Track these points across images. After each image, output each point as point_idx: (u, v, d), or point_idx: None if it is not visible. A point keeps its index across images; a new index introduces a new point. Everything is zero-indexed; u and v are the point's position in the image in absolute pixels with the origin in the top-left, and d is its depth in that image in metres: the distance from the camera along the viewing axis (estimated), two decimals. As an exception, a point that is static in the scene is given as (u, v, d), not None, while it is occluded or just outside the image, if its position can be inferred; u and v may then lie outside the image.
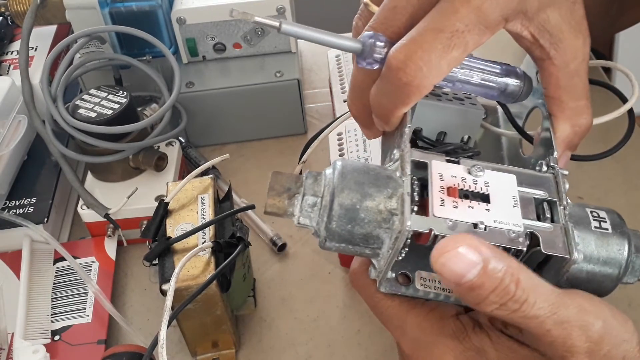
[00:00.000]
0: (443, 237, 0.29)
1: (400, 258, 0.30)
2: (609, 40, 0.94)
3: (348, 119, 0.42)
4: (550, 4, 0.32)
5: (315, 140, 0.40)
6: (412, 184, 0.31)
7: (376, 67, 0.31)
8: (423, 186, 0.31)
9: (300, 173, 0.41)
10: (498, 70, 0.34)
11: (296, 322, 0.49)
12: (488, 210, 0.30)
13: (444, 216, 0.30)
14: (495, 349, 0.30)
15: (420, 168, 0.32)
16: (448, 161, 0.32)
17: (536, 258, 0.31)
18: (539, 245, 0.30)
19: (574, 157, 0.35)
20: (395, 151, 0.33)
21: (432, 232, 0.29)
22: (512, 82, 0.34)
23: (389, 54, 0.30)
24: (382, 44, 0.31)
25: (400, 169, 0.32)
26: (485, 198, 0.31)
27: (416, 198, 0.30)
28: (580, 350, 0.28)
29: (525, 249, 0.30)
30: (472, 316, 0.32)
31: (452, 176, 0.31)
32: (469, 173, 0.32)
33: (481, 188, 0.31)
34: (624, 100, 0.40)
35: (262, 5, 0.59)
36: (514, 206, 0.31)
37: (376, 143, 0.52)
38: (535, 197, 0.32)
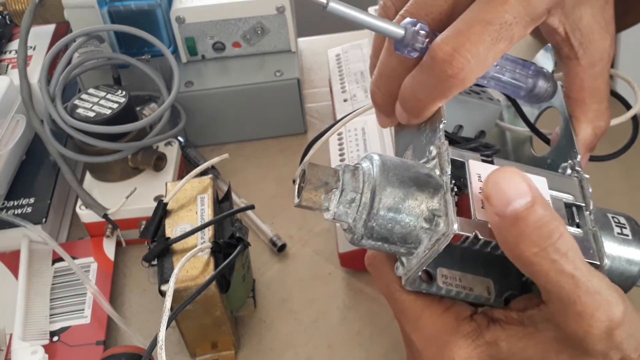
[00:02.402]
0: (483, 240, 0.29)
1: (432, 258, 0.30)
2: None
3: (349, 122, 0.41)
4: (584, 1, 0.31)
5: (318, 142, 0.40)
6: (452, 183, 0.30)
7: (415, 55, 0.30)
8: (455, 178, 0.31)
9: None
10: (529, 71, 0.34)
11: (296, 323, 0.49)
12: None
13: (486, 219, 0.29)
14: (507, 341, 0.30)
15: (453, 166, 0.31)
16: (483, 161, 0.32)
17: None
18: None
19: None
20: (431, 147, 0.32)
21: (477, 236, 0.29)
22: (541, 83, 0.34)
23: (434, 43, 0.29)
24: (424, 32, 0.29)
25: (439, 167, 0.31)
26: None
27: (455, 198, 0.30)
28: (601, 327, 0.28)
29: None
30: (487, 312, 0.32)
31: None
32: None
33: None
34: (628, 106, 0.40)
35: (262, 5, 0.59)
36: None
37: (376, 143, 0.52)
38: (564, 200, 0.32)
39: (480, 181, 0.30)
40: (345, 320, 0.49)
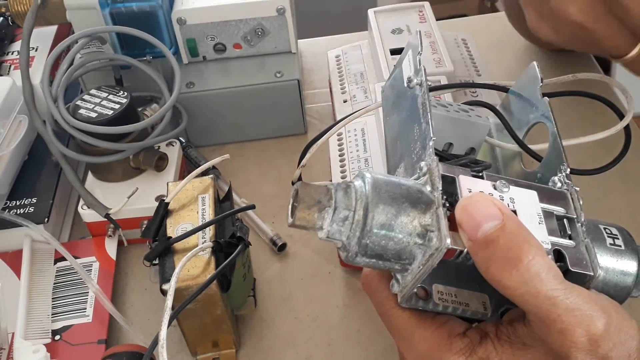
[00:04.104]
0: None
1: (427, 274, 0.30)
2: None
3: (348, 123, 0.41)
4: None
5: (316, 143, 0.40)
6: (443, 199, 0.30)
7: None
8: (446, 192, 0.31)
9: (300, 177, 0.41)
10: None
11: (296, 322, 0.50)
12: None
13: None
14: (499, 357, 0.30)
15: (444, 181, 0.31)
16: (473, 176, 0.32)
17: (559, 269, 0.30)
18: (560, 262, 0.30)
19: (574, 171, 0.35)
20: (422, 164, 0.32)
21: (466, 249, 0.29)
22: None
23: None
24: None
25: (430, 183, 0.31)
26: None
27: (448, 213, 0.30)
28: (584, 342, 0.28)
29: None
30: (480, 327, 0.32)
31: (480, 192, 0.31)
32: (495, 188, 0.31)
33: (508, 204, 0.31)
34: (621, 116, 0.40)
35: (262, 5, 0.59)
36: (539, 223, 0.31)
37: (376, 144, 0.52)
38: (556, 213, 0.32)
39: None
40: (345, 319, 0.49)
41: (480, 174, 0.32)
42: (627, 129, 0.40)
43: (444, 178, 0.31)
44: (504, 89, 0.42)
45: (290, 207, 0.31)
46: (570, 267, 0.30)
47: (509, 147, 0.40)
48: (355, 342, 0.48)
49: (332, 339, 0.48)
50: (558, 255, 0.30)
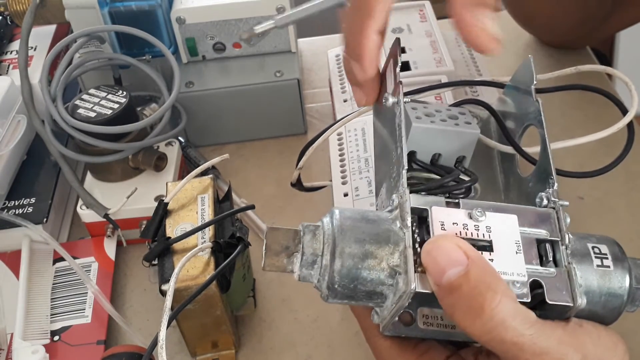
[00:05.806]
0: None
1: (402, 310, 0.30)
2: (610, 40, 0.94)
3: (348, 122, 0.41)
4: None
5: (312, 146, 0.40)
6: (413, 235, 0.30)
7: None
8: (421, 220, 0.30)
9: (300, 178, 0.41)
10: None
11: (296, 323, 0.49)
12: (492, 260, 0.29)
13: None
14: None
15: (418, 210, 0.31)
16: (448, 203, 0.31)
17: (538, 297, 0.30)
18: (541, 288, 0.29)
19: (574, 174, 0.34)
20: (393, 196, 0.31)
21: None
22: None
23: None
24: None
25: (400, 218, 0.30)
26: (488, 246, 0.30)
27: (418, 250, 0.29)
28: None
29: (529, 300, 0.29)
30: (461, 355, 0.32)
31: (454, 224, 0.30)
32: (470, 217, 0.31)
33: (483, 234, 0.30)
34: (624, 111, 0.39)
35: (262, 5, 0.59)
36: (516, 252, 0.30)
37: (376, 143, 0.52)
38: (537, 237, 0.31)
39: (444, 229, 0.30)
40: (345, 320, 0.49)
41: (457, 200, 0.31)
42: (630, 125, 0.39)
43: (417, 209, 0.31)
44: (500, 85, 0.41)
45: (263, 249, 0.31)
46: (547, 300, 0.29)
47: (504, 148, 0.39)
48: (355, 343, 0.48)
49: (332, 340, 0.48)
50: (537, 285, 0.30)
